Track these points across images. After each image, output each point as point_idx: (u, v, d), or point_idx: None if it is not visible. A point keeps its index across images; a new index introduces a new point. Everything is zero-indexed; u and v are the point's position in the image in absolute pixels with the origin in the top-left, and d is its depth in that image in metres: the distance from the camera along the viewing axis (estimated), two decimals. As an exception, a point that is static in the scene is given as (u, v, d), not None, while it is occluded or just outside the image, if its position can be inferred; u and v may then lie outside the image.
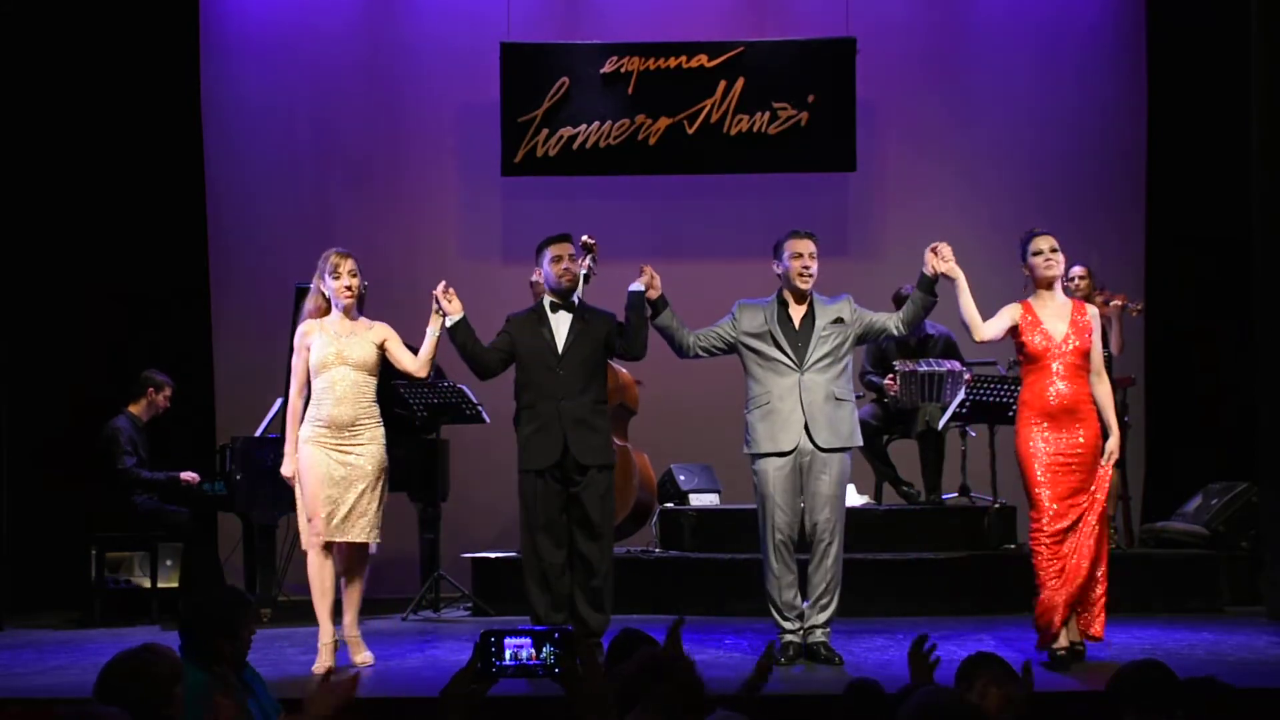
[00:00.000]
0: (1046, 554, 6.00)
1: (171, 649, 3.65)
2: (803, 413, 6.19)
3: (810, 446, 6.20)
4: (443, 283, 6.28)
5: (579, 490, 6.28)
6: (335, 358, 6.20)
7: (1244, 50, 8.15)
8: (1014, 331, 6.12)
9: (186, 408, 9.07)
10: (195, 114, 9.72)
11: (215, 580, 8.63)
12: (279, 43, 9.97)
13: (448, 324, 6.27)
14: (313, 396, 6.24)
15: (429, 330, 6.29)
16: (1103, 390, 6.20)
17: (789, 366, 6.23)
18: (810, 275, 6.30)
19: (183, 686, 3.50)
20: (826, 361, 6.24)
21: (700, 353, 6.46)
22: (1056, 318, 6.09)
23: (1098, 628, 6.08)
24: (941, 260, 6.16)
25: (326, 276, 6.26)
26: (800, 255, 6.29)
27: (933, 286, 6.27)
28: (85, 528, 8.28)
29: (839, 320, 6.28)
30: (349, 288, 6.25)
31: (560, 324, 6.40)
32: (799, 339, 6.26)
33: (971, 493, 8.55)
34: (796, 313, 6.31)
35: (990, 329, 6.14)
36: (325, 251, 6.32)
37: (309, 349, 6.26)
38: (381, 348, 6.31)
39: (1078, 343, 6.04)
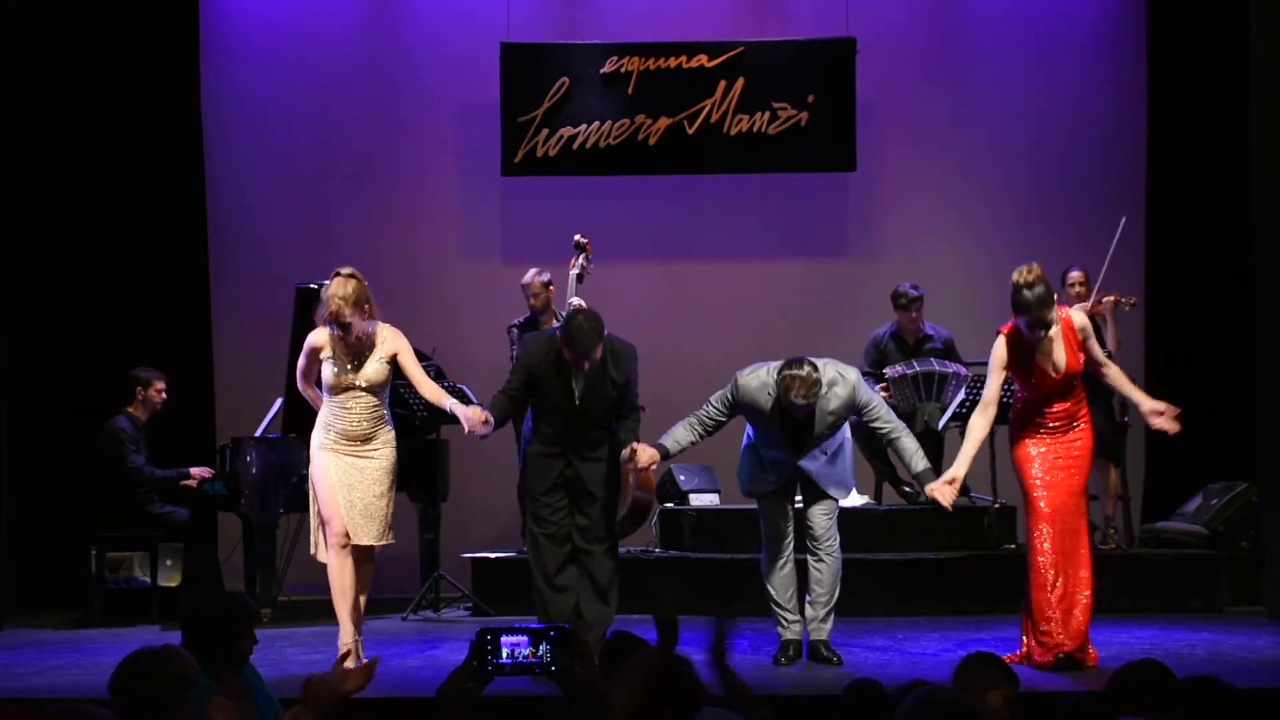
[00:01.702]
0: (1044, 557, 6.00)
1: (188, 653, 3.66)
2: (801, 477, 6.27)
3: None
4: (480, 421, 6.05)
5: (582, 502, 6.29)
6: (349, 382, 6.19)
7: (1244, 50, 8.15)
8: (1005, 365, 6.08)
9: (186, 408, 9.07)
10: (195, 114, 9.72)
11: (217, 584, 8.63)
12: (279, 43, 9.96)
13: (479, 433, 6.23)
14: (328, 408, 6.23)
15: (450, 403, 6.22)
16: (1113, 373, 6.18)
17: (790, 454, 6.22)
18: (803, 411, 6.07)
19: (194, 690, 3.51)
20: (823, 442, 6.24)
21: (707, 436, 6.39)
22: (1051, 347, 5.99)
23: (1091, 654, 6.04)
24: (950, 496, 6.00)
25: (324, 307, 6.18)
26: (795, 407, 6.00)
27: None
28: (85, 528, 8.28)
29: (838, 423, 6.22)
30: (341, 332, 6.09)
31: (580, 376, 6.25)
32: (800, 437, 6.17)
33: (971, 493, 8.53)
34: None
35: (991, 403, 6.06)
36: (331, 272, 6.20)
37: (320, 362, 6.24)
38: (393, 360, 6.27)
39: (1072, 368, 6.01)
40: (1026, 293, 5.83)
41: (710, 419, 6.27)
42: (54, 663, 6.59)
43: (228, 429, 9.11)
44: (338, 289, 6.07)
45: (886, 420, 6.23)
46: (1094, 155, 9.90)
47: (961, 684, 3.69)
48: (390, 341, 6.26)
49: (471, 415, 6.10)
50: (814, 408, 6.04)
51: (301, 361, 6.33)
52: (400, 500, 7.93)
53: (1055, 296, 5.97)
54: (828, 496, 6.30)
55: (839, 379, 6.10)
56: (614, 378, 6.23)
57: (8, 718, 5.30)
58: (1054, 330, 5.96)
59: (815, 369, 5.96)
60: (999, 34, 10.00)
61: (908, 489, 8.62)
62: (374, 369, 6.19)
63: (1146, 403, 6.15)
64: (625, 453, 6.13)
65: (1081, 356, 6.01)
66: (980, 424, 6.10)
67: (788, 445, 6.19)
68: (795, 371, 5.94)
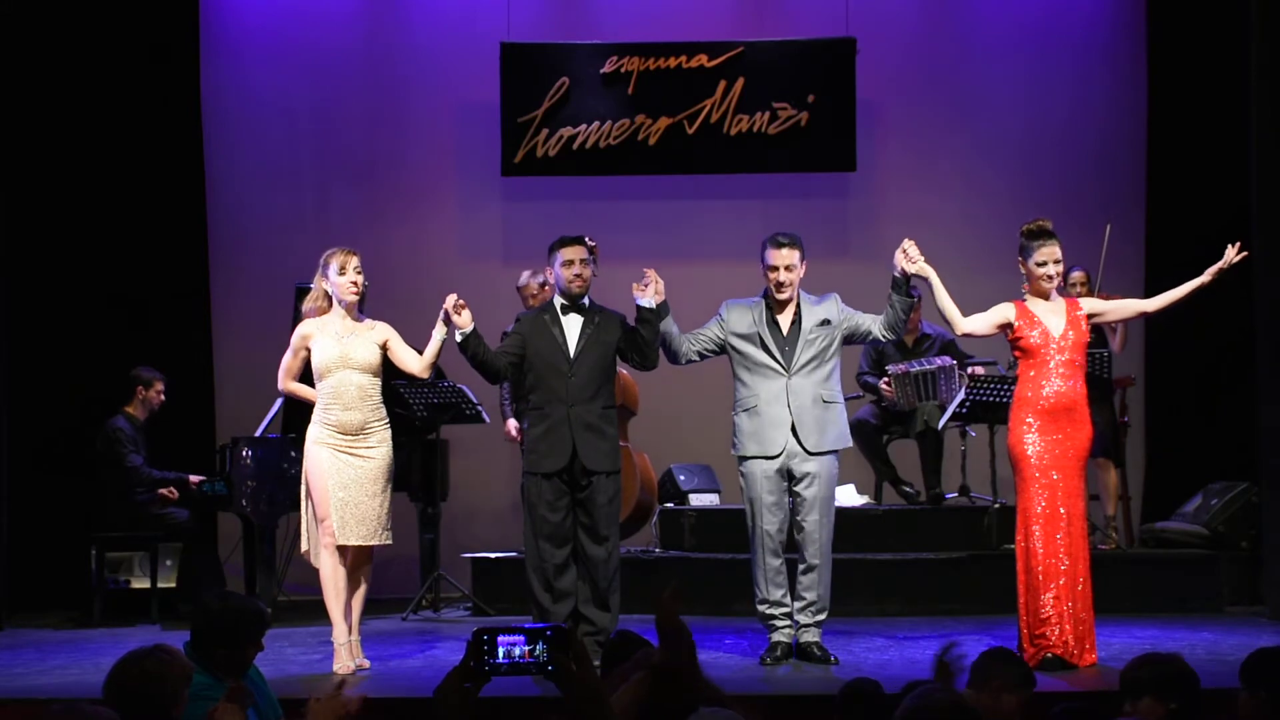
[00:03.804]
0: (1037, 559, 6.00)
1: (181, 651, 3.66)
2: (790, 415, 6.21)
3: (798, 448, 6.21)
4: (454, 296, 6.19)
5: (585, 495, 6.29)
6: (340, 361, 6.20)
7: (1244, 50, 8.15)
8: (1008, 329, 6.11)
9: (186, 408, 9.07)
10: (195, 114, 9.71)
11: (223, 586, 8.62)
12: (279, 43, 9.96)
13: (457, 337, 6.25)
14: (320, 400, 6.25)
15: (435, 334, 6.27)
16: (1155, 301, 6.29)
17: (776, 370, 6.23)
18: (787, 286, 6.25)
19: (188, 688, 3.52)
20: (813, 364, 6.25)
21: (694, 358, 6.46)
22: (1052, 313, 6.10)
23: (1091, 655, 6.05)
24: (910, 261, 6.10)
25: (331, 273, 6.27)
26: (776, 269, 6.26)
27: (906, 287, 6.22)
28: (85, 528, 8.29)
29: (825, 322, 6.27)
30: (354, 284, 6.27)
31: (571, 326, 6.36)
32: (786, 342, 6.25)
33: (971, 493, 8.55)
34: (783, 314, 6.30)
35: (973, 323, 6.12)
36: (328, 250, 6.33)
37: (308, 350, 6.27)
38: (384, 348, 6.32)
39: (1075, 338, 6.04)
40: (1030, 226, 6.19)
41: (700, 333, 6.41)
42: (54, 663, 6.60)
43: (228, 429, 9.10)
44: (341, 251, 6.28)
45: (864, 316, 6.37)
46: (1094, 155, 9.90)
47: (979, 683, 3.68)
48: (381, 330, 6.37)
49: (449, 299, 6.17)
50: (797, 283, 6.26)
51: (286, 358, 6.37)
52: (400, 500, 7.97)
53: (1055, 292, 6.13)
54: (822, 454, 6.23)
55: (820, 296, 6.39)
56: (606, 339, 6.31)
57: (7, 717, 5.31)
58: (1054, 297, 6.13)
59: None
60: (999, 34, 9.99)
61: (908, 489, 8.62)
62: (365, 350, 6.25)
63: (1202, 276, 6.18)
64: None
65: (1085, 333, 6.06)
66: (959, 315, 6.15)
67: (775, 354, 6.20)
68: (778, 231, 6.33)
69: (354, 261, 6.28)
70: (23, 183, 8.73)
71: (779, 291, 6.25)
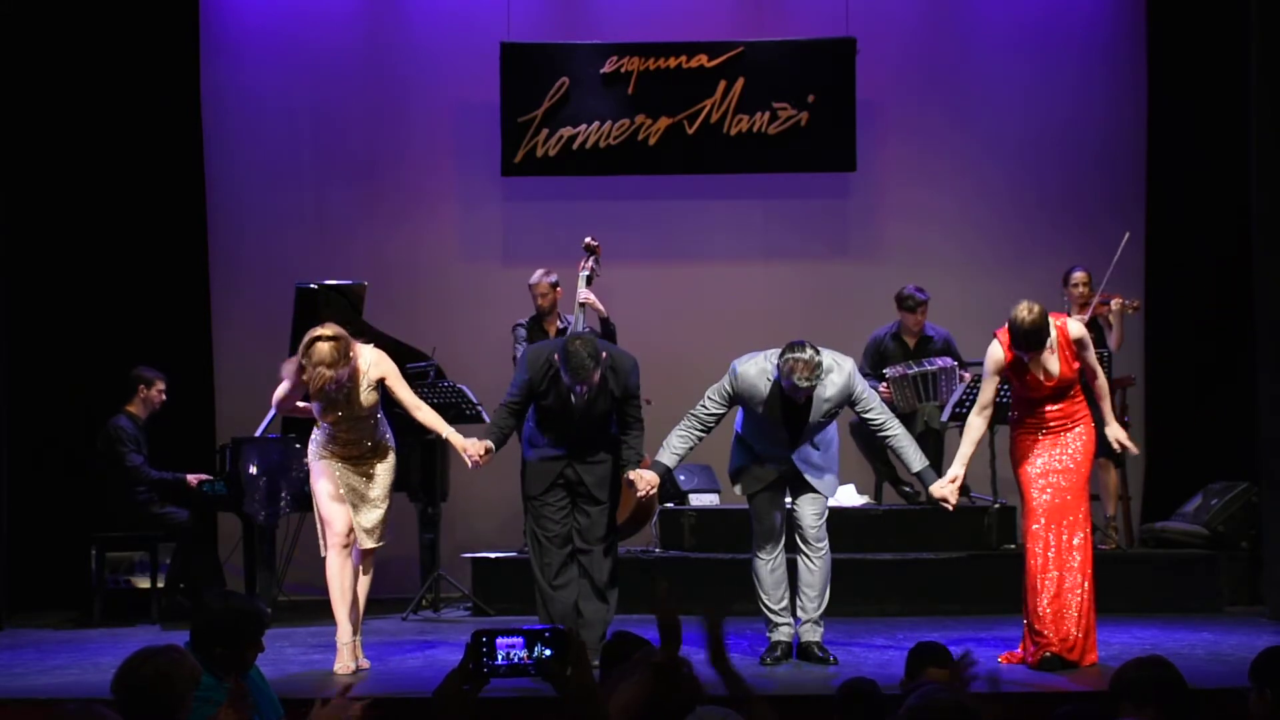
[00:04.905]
0: (1037, 558, 6.01)
1: (190, 653, 3.67)
2: (790, 470, 6.29)
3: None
4: (481, 454, 6.20)
5: (582, 502, 6.35)
6: (341, 408, 6.19)
7: (1244, 50, 8.15)
8: (1000, 370, 6.12)
9: (186, 408, 9.06)
10: (195, 114, 9.70)
11: (222, 586, 8.62)
12: (279, 42, 9.95)
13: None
14: (323, 430, 6.27)
15: (445, 434, 6.33)
16: (1099, 385, 6.24)
17: (784, 444, 6.22)
18: (804, 393, 6.10)
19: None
20: (817, 436, 6.27)
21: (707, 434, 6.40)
22: (1048, 350, 6.04)
23: (1092, 655, 6.06)
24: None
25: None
26: (797, 390, 6.04)
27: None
28: (85, 528, 8.29)
29: (833, 413, 6.24)
30: (333, 379, 6.00)
31: None
32: (796, 425, 6.20)
33: (971, 493, 8.54)
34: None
35: (986, 404, 6.15)
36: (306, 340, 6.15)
37: (304, 394, 6.22)
38: (381, 383, 6.26)
39: (1065, 376, 6.05)
40: (1019, 332, 5.93)
41: (708, 414, 6.28)
42: (54, 663, 6.60)
43: (228, 429, 9.09)
44: (321, 357, 5.96)
45: (880, 413, 6.27)
46: (1094, 154, 9.88)
47: (912, 673, 3.72)
48: (376, 366, 6.25)
49: (472, 449, 6.17)
50: (813, 392, 6.05)
51: (285, 391, 6.29)
52: (400, 500, 7.97)
53: (1050, 340, 6.03)
54: (817, 493, 6.30)
55: (835, 366, 6.15)
56: (613, 390, 6.26)
57: (8, 717, 5.32)
58: (1049, 340, 6.02)
59: (816, 351, 6.02)
60: (999, 34, 9.98)
61: (908, 489, 8.62)
62: (365, 396, 6.21)
63: (1112, 427, 6.24)
64: (625, 480, 6.21)
65: (1076, 365, 6.04)
66: (977, 424, 6.16)
67: (784, 435, 6.19)
68: (798, 354, 5.97)
69: (325, 359, 5.94)
70: (23, 183, 8.73)
71: (796, 397, 6.16)
